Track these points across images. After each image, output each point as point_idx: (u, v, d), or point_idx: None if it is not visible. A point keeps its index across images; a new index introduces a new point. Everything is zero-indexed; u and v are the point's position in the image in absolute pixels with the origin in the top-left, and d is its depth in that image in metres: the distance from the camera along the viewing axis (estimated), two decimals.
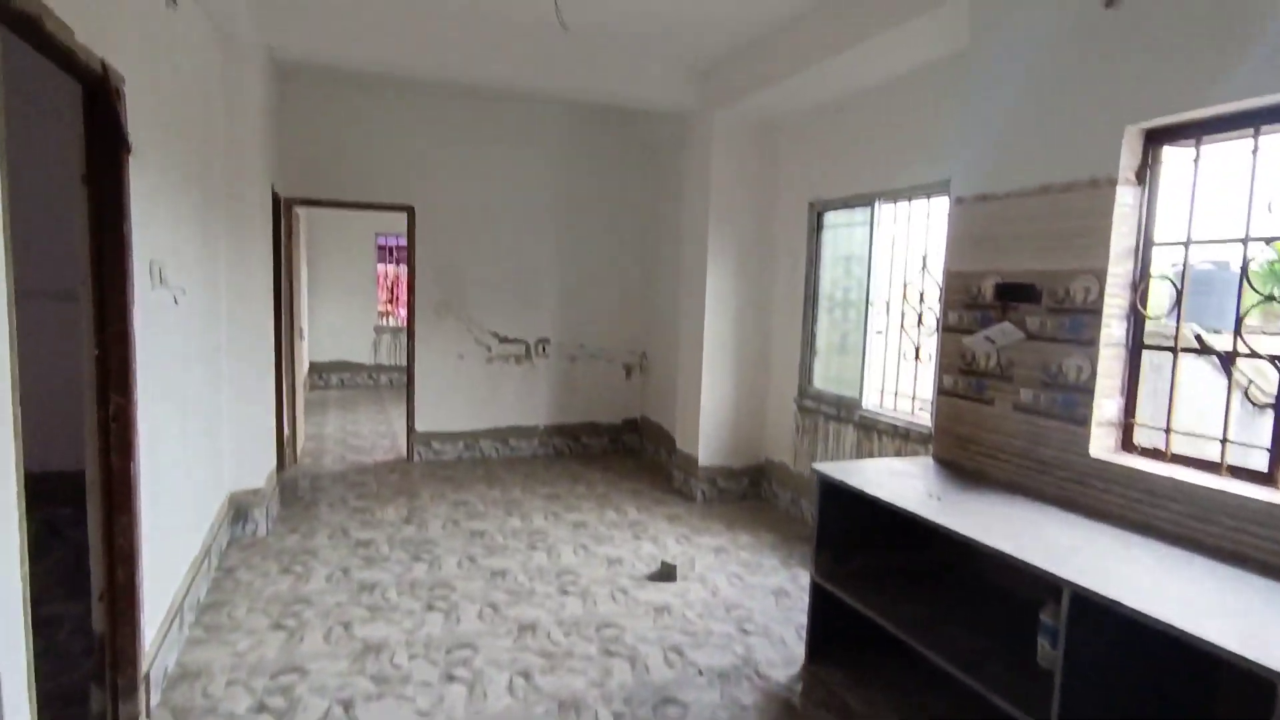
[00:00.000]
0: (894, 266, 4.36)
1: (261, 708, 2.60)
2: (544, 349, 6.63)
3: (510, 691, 2.77)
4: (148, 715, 2.53)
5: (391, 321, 10.93)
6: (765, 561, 4.23)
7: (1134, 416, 2.61)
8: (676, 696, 2.78)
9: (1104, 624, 1.93)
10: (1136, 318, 2.59)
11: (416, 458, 6.27)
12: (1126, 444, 2.63)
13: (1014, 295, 2.87)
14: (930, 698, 2.81)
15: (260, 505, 4.30)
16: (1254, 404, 2.32)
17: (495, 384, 6.50)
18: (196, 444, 3.42)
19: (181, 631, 3.01)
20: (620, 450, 6.94)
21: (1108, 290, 2.55)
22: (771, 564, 4.20)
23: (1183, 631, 1.66)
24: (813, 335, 5.09)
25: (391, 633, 3.18)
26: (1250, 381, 2.36)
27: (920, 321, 4.14)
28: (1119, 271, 2.56)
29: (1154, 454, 2.54)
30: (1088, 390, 2.61)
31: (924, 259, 4.07)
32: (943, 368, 3.29)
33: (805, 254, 5.06)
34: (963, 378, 3.17)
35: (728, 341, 5.40)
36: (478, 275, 6.36)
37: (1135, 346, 2.60)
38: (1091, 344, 2.59)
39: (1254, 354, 2.27)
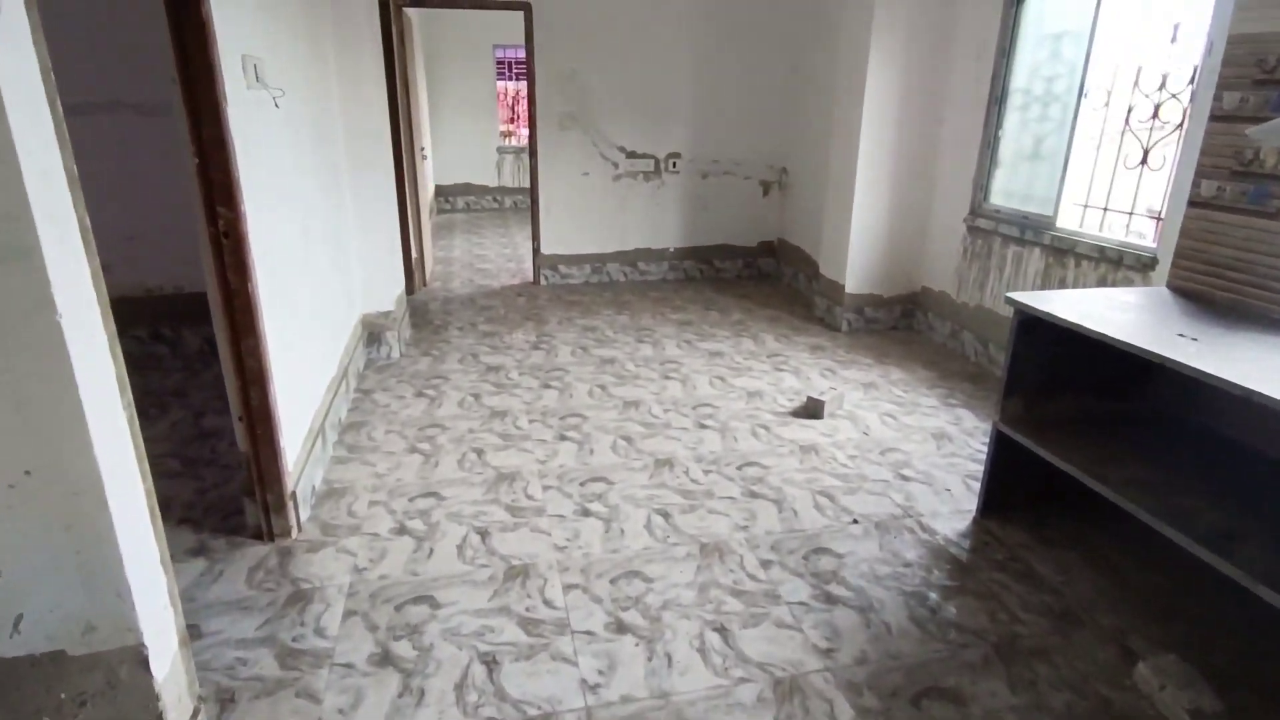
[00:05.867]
0: (1129, 44, 3.39)
1: (402, 529, 2.57)
2: (674, 164, 6.06)
3: (649, 530, 2.61)
4: (299, 528, 2.56)
5: (514, 142, 10.54)
6: (922, 400, 3.80)
7: None
8: (829, 546, 2.52)
9: None
10: None
11: (543, 281, 6.10)
12: None
13: None
14: (1148, 575, 2.39)
15: (392, 329, 4.26)
16: None
17: (622, 203, 6.07)
18: (322, 263, 3.28)
19: (325, 450, 3.03)
20: (755, 275, 6.47)
21: None
22: (929, 403, 3.76)
23: None
24: (995, 140, 4.23)
25: (524, 462, 3.08)
26: None
27: (1155, 115, 3.25)
28: None
29: None
30: None
31: (1175, 28, 3.10)
32: (1202, 171, 2.53)
33: (996, 35, 4.09)
34: (1233, 183, 2.41)
35: (887, 151, 4.62)
36: (603, 84, 5.74)
37: None
38: None
39: None
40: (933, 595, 2.28)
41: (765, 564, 2.42)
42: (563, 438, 3.31)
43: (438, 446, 3.20)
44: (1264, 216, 2.31)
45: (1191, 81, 2.98)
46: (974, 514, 2.72)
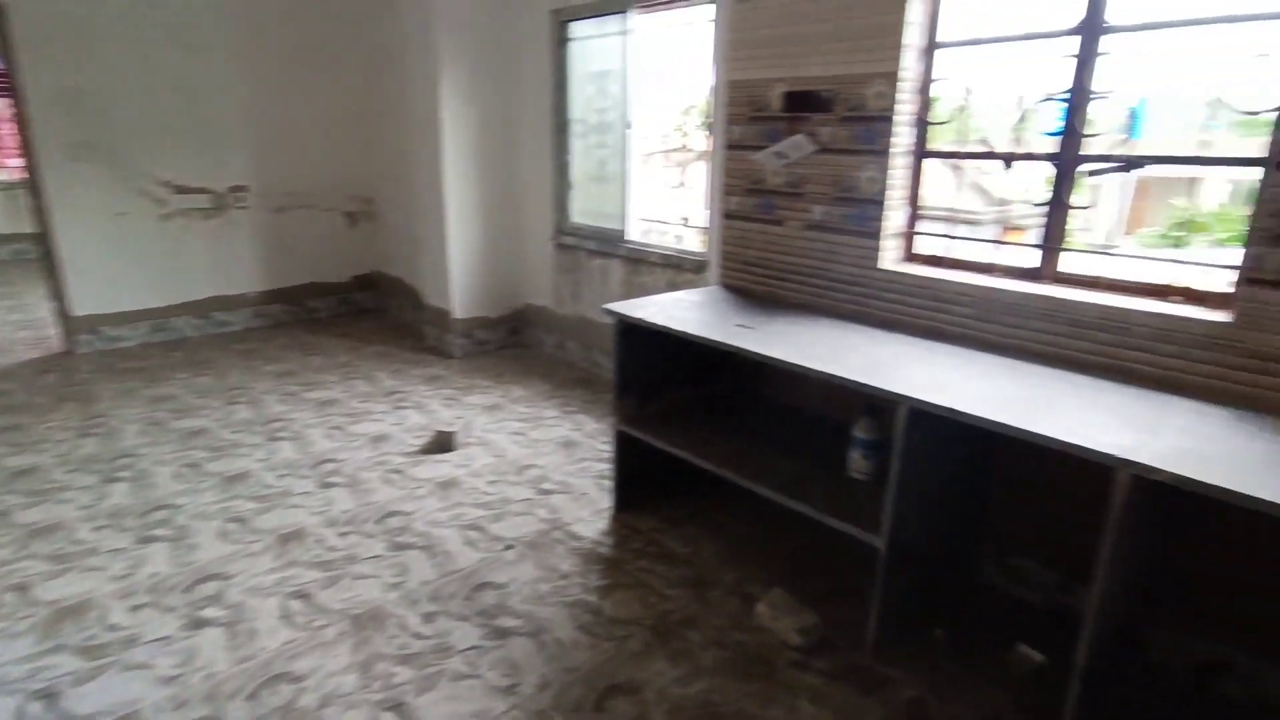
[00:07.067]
0: (655, 83, 4.00)
1: None
2: (241, 199, 5.35)
3: (287, 620, 2.26)
4: None
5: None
6: (545, 413, 3.99)
7: (917, 225, 2.66)
8: (490, 579, 2.49)
9: (930, 430, 1.95)
10: (922, 123, 2.56)
11: (81, 350, 4.88)
12: (911, 254, 2.70)
13: (805, 105, 2.69)
14: (751, 529, 2.85)
15: None
16: (1033, 204, 2.44)
17: (179, 246, 5.15)
18: None
19: None
20: (355, 312, 6.08)
21: (899, 95, 2.47)
22: (552, 415, 3.97)
23: (1021, 430, 1.70)
24: (566, 165, 4.64)
25: (95, 584, 2.42)
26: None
27: (684, 147, 3.91)
28: (910, 74, 2.47)
29: (936, 261, 2.63)
30: (879, 202, 2.58)
31: (690, 73, 3.75)
32: (727, 189, 3.11)
33: (551, 72, 4.48)
34: (750, 198, 3.01)
35: (472, 179, 4.74)
36: (128, 106, 4.77)
37: (920, 154, 2.59)
38: (884, 153, 2.53)
39: (1031, 156, 2.35)
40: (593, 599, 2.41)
41: (429, 617, 2.28)
42: (148, 539, 2.69)
43: None
44: (774, 224, 2.94)
45: (709, 117, 3.64)
46: (611, 511, 2.95)
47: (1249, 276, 1.88)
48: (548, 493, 3.11)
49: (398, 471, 3.27)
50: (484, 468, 3.33)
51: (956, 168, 2.45)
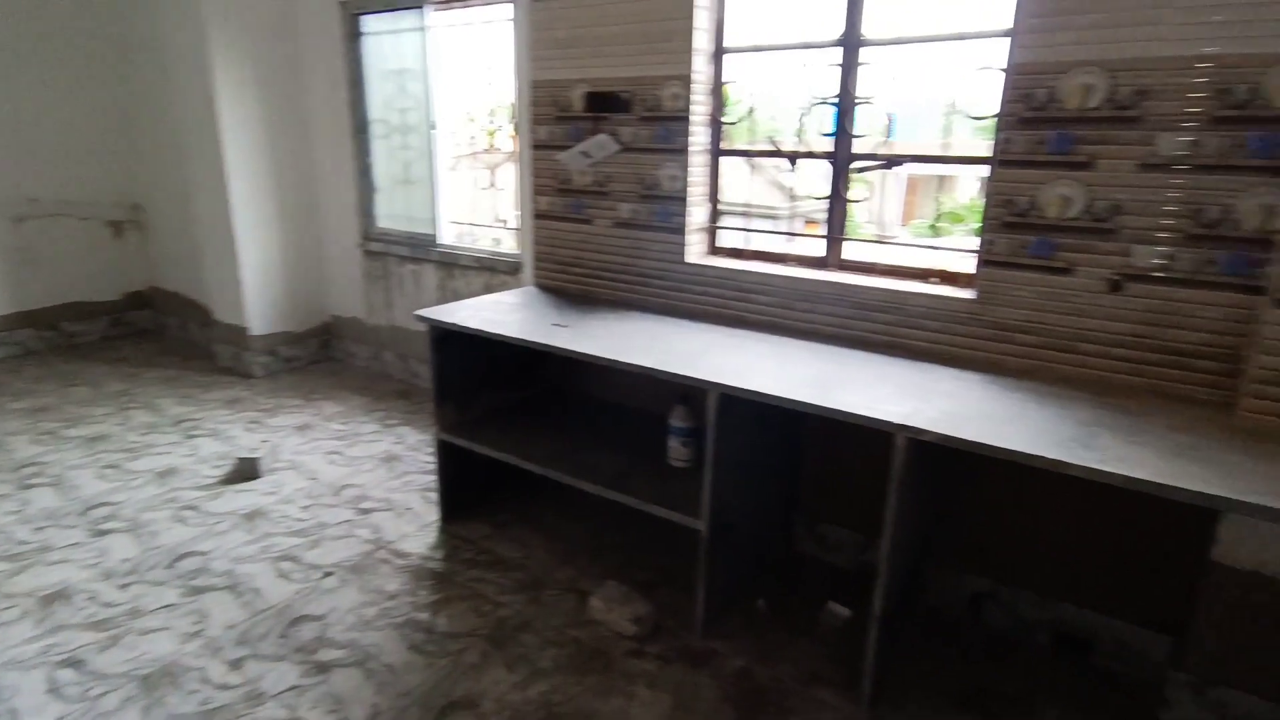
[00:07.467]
0: (460, 83, 3.90)
1: None
2: None
3: (56, 694, 1.96)
4: None
5: None
6: (363, 429, 3.78)
7: (718, 220, 2.81)
8: (307, 612, 2.31)
9: (740, 413, 2.08)
10: (716, 124, 2.70)
11: None
12: (714, 248, 2.85)
13: (606, 105, 2.75)
14: (582, 526, 2.87)
15: None
16: (803, 198, 2.66)
17: None
18: None
19: None
20: (131, 334, 5.38)
21: (693, 97, 2.59)
22: (371, 430, 3.76)
23: (816, 406, 1.85)
24: (369, 167, 4.41)
25: None
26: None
27: (493, 148, 3.85)
28: (702, 77, 2.60)
29: (737, 254, 2.79)
30: (682, 199, 2.69)
31: (495, 73, 3.70)
32: (536, 190, 3.10)
33: (345, 69, 4.23)
34: (560, 198, 3.03)
35: (264, 183, 4.36)
36: None
37: (716, 152, 2.74)
38: (682, 152, 2.65)
39: (812, 154, 2.56)
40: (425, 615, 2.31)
41: (236, 664, 2.08)
42: None
43: None
44: (584, 223, 2.98)
45: (515, 117, 3.61)
46: (439, 523, 2.85)
47: (985, 259, 2.18)
48: (368, 512, 2.94)
49: (191, 508, 2.94)
50: (296, 493, 3.08)
51: (756, 166, 2.62)
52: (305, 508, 2.96)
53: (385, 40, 4.12)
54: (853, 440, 2.19)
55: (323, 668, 2.07)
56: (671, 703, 1.99)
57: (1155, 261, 1.94)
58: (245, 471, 3.22)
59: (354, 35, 4.18)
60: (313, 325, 4.79)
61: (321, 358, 4.85)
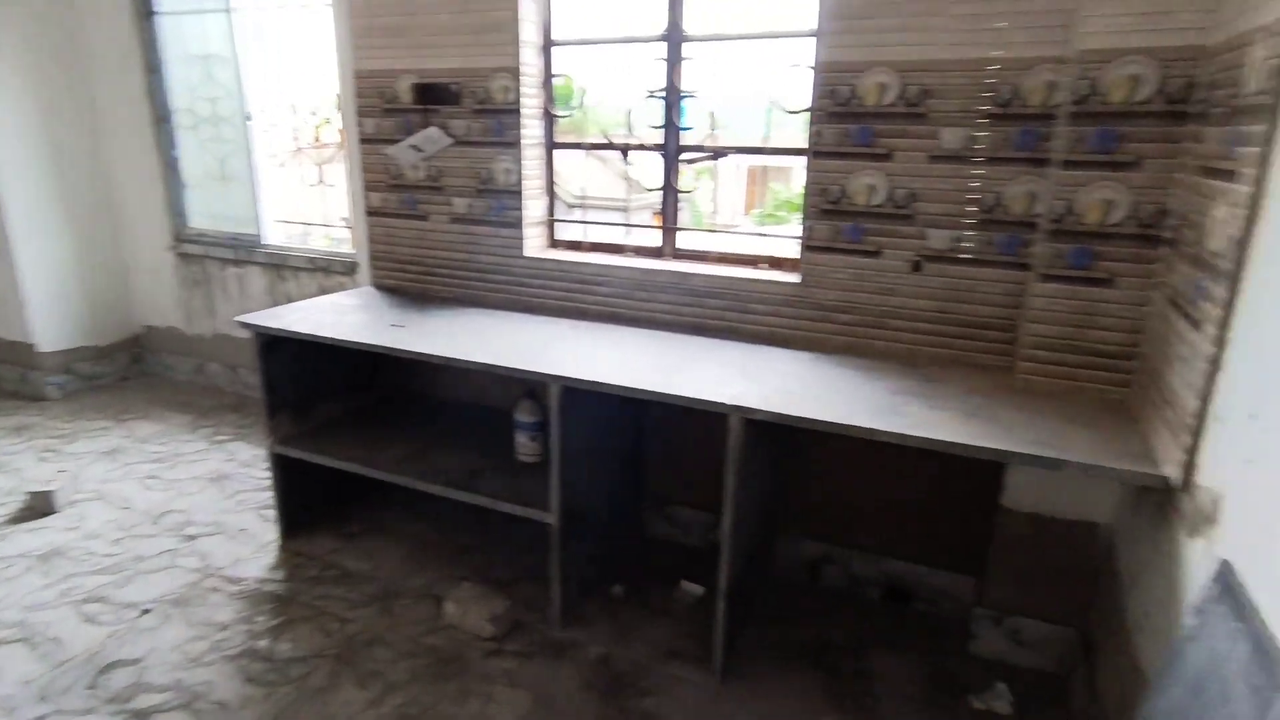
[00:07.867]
0: (280, 70, 3.63)
1: None
2: None
3: None
4: None
5: None
6: (186, 448, 3.45)
7: (556, 214, 2.81)
8: (120, 657, 2.09)
9: (584, 404, 2.10)
10: (549, 117, 2.70)
11: None
12: (553, 241, 2.84)
13: (435, 97, 2.67)
14: (434, 530, 2.78)
15: None
16: (648, 190, 2.72)
17: None
18: None
19: None
20: None
21: (524, 89, 2.57)
22: (196, 448, 3.45)
23: (654, 392, 1.91)
24: (175, 161, 4.01)
25: None
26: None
27: (319, 141, 3.63)
28: (532, 69, 2.58)
29: (576, 246, 2.81)
30: (517, 193, 2.67)
31: (318, 61, 3.47)
32: (367, 185, 2.96)
33: (138, 51, 3.82)
34: (392, 194, 2.91)
35: (43, 179, 3.85)
36: None
37: (550, 145, 2.73)
38: (515, 145, 2.62)
39: (643, 147, 2.61)
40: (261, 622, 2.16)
41: None
42: None
43: None
44: (419, 219, 2.88)
45: (340, 109, 3.41)
46: (279, 542, 2.67)
47: (807, 244, 2.33)
48: (194, 538, 2.70)
49: None
50: (104, 525, 2.77)
51: (603, 159, 2.64)
52: (115, 541, 2.67)
53: (185, 21, 3.76)
54: (693, 423, 2.28)
55: (140, 715, 1.89)
56: (531, 698, 1.99)
57: (948, 244, 2.15)
58: (40, 507, 2.85)
59: (146, 14, 3.78)
60: (121, 338, 4.31)
61: (133, 373, 4.39)
